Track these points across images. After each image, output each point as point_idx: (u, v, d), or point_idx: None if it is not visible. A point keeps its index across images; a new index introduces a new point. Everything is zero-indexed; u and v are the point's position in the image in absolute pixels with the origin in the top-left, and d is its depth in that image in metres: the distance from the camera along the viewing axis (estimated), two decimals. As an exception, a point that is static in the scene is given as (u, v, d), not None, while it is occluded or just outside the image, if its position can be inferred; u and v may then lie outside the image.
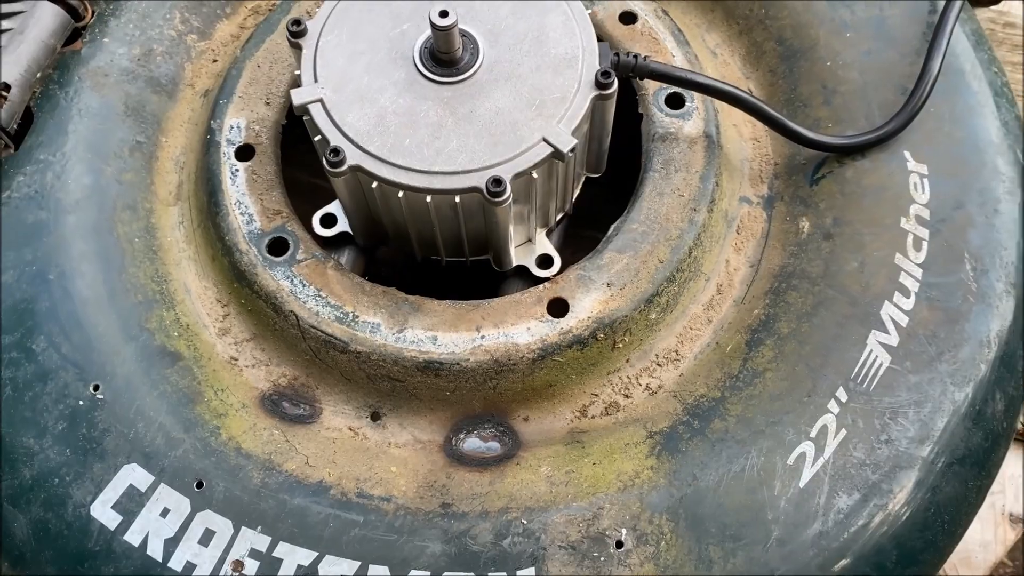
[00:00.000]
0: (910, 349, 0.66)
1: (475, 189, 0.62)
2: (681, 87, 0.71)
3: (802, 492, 0.62)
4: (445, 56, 0.64)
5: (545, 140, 0.63)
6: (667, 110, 0.73)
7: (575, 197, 0.75)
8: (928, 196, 0.71)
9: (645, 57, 0.68)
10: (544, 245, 0.73)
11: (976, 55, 0.77)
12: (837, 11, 0.77)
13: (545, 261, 0.72)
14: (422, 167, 0.62)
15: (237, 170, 0.73)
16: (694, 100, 0.74)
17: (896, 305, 0.67)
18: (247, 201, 0.72)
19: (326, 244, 0.73)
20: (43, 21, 0.75)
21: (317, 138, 0.64)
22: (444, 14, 0.60)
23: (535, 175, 0.63)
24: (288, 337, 0.69)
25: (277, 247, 0.70)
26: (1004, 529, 0.83)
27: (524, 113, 0.64)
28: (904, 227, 0.70)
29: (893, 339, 0.66)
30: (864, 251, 0.69)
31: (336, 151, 0.62)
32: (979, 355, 0.66)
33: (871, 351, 0.66)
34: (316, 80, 0.65)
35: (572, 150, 0.63)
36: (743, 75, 0.80)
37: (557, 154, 0.63)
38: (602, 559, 0.61)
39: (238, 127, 0.75)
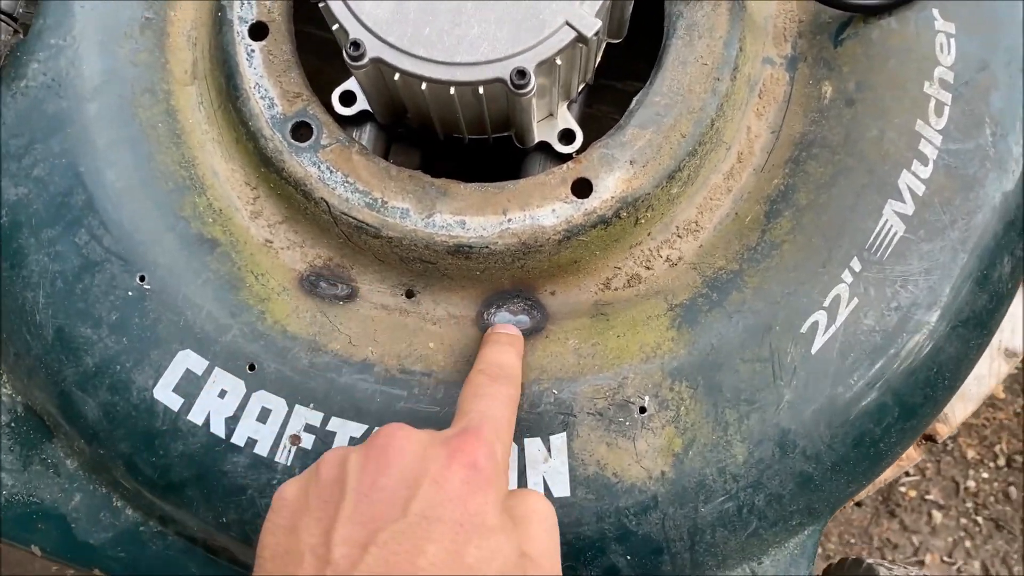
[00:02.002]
0: (924, 218, 0.68)
1: (499, 80, 0.61)
2: (706, -47, 0.68)
3: (813, 358, 0.67)
4: (462, -66, 0.61)
5: (568, 24, 0.61)
6: (690, -29, 0.71)
7: (596, 66, 0.74)
8: (953, 57, 0.70)
9: (669, -77, 0.65)
10: (566, 119, 0.73)
11: None
12: None
13: (567, 136, 0.73)
14: (443, 58, 0.61)
15: (253, 51, 0.72)
16: (718, -43, 0.71)
17: (914, 173, 0.69)
18: (266, 84, 0.71)
19: (346, 122, 0.74)
20: None
21: (335, 27, 0.63)
22: None
23: (559, 61, 0.62)
24: (320, 221, 0.71)
25: (301, 132, 0.71)
26: (999, 363, 0.89)
27: (546, -6, 0.62)
28: (927, 91, 0.70)
29: (908, 208, 0.68)
30: (886, 117, 0.70)
31: (356, 44, 0.61)
32: (990, 221, 0.68)
33: (887, 220, 0.68)
34: (329, -37, 0.63)
35: (596, 33, 0.62)
36: (769, -79, 0.76)
37: (581, 38, 0.62)
38: (627, 424, 0.66)
39: (249, 3, 0.73)
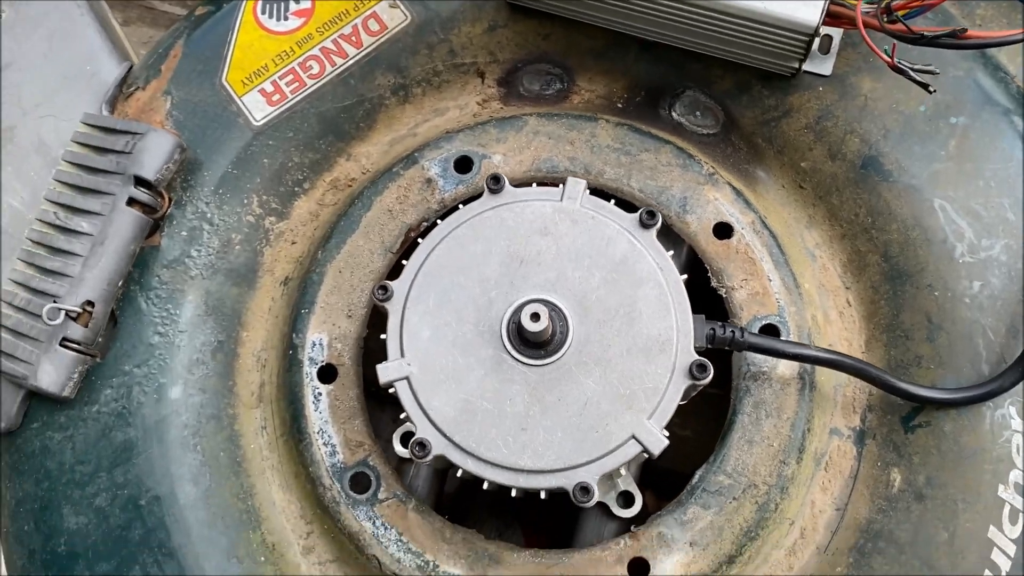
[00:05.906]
0: (996, 636, 0.65)
1: (562, 490, 0.61)
2: (782, 358, 0.68)
3: None
4: (534, 339, 0.62)
5: (635, 439, 0.61)
6: (760, 348, 0.70)
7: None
8: (1031, 461, 0.68)
9: (743, 331, 0.64)
10: (627, 482, 0.72)
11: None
12: (953, 230, 0.72)
13: (627, 499, 0.72)
14: (507, 463, 0.61)
15: (320, 394, 0.73)
16: (789, 335, 0.71)
17: (986, 585, 0.66)
18: (330, 430, 0.72)
19: (404, 460, 0.74)
20: (123, 229, 0.74)
21: (403, 415, 0.63)
22: (536, 317, 0.58)
23: (623, 471, 0.62)
24: (371, 569, 0.70)
25: (360, 483, 0.71)
26: None
27: (613, 405, 0.62)
28: (1001, 496, 0.67)
29: (979, 624, 0.65)
30: (956, 520, 0.67)
31: (422, 445, 0.61)
32: (1068, 644, 0.65)
33: (955, 636, 0.65)
34: (403, 354, 0.63)
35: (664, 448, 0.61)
36: (843, 284, 0.76)
37: (647, 452, 0.61)
38: None
39: (320, 344, 0.74)
